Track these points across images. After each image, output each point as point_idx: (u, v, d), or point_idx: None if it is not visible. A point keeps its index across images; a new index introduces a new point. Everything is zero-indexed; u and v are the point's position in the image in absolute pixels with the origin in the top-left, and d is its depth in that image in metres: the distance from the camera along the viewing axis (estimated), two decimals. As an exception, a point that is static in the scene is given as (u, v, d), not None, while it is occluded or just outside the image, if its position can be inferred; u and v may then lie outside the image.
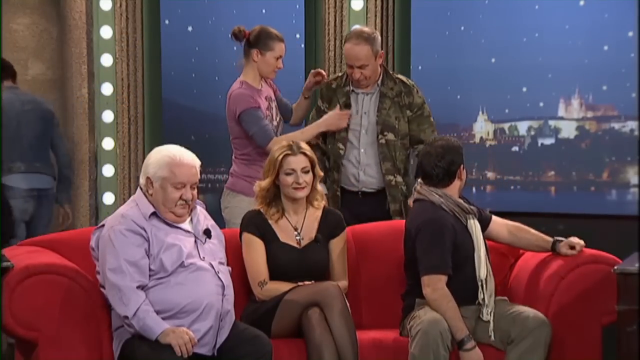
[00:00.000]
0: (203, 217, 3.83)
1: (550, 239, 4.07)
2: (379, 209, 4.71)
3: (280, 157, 4.05)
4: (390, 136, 4.71)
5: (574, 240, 4.03)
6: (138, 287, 3.58)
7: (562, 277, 3.93)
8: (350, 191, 4.76)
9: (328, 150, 4.78)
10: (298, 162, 4.05)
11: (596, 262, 3.94)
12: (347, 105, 4.72)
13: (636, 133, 5.38)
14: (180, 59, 5.79)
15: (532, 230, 4.15)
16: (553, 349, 3.84)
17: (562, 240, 4.04)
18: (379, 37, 4.74)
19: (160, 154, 3.72)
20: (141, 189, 3.74)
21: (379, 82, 4.76)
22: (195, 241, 3.74)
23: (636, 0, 4.87)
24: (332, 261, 4.11)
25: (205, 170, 5.90)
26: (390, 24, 5.53)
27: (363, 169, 4.74)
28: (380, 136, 4.70)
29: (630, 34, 5.25)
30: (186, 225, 3.75)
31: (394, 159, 4.72)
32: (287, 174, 4.05)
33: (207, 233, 3.78)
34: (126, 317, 3.55)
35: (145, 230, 3.64)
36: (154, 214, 3.68)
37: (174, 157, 3.70)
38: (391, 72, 4.86)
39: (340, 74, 4.88)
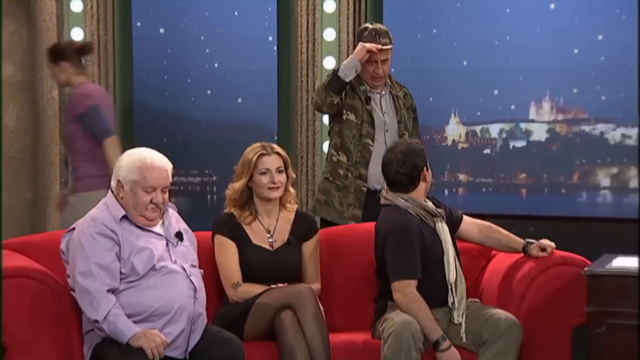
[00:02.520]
0: (175, 220, 3.82)
1: (522, 241, 4.09)
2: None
3: (255, 157, 4.05)
4: (407, 135, 4.75)
5: (545, 242, 4.06)
6: (108, 291, 3.56)
7: (532, 279, 3.95)
8: (372, 190, 4.70)
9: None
10: (272, 162, 4.05)
11: (566, 264, 3.96)
12: (367, 100, 4.69)
13: (606, 136, 5.42)
14: (152, 61, 5.76)
15: (503, 231, 4.16)
16: (524, 350, 3.85)
17: (533, 243, 4.07)
18: None
19: (131, 157, 3.70)
20: (112, 192, 3.72)
21: (388, 84, 4.78)
22: (167, 244, 3.72)
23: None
24: (305, 264, 4.11)
25: (178, 173, 5.86)
26: (362, 26, 5.53)
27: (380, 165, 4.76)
28: (402, 135, 4.73)
29: (600, 37, 5.30)
30: (158, 228, 3.74)
31: None
32: (262, 174, 4.04)
33: (179, 236, 3.77)
34: (97, 321, 3.53)
35: (116, 234, 3.62)
36: (124, 217, 3.67)
37: (145, 160, 3.68)
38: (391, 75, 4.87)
39: None
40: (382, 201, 4.09)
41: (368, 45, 4.53)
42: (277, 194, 4.07)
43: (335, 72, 4.60)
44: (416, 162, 4.00)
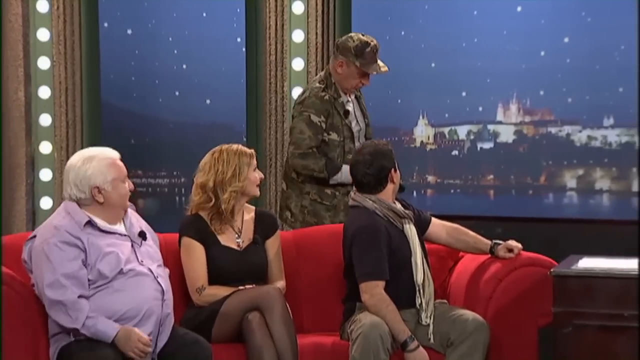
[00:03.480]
0: (136, 220, 3.82)
1: (489, 242, 4.12)
2: None
3: (251, 153, 4.07)
4: (371, 137, 4.75)
5: (512, 243, 4.08)
6: (80, 297, 3.55)
7: (500, 280, 3.97)
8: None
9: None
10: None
11: (533, 265, 3.98)
12: (346, 114, 4.68)
13: (573, 137, 5.47)
14: (120, 62, 5.73)
15: (471, 233, 4.18)
16: (491, 350, 3.87)
17: (500, 244, 4.09)
18: None
19: (95, 161, 3.69)
20: (74, 200, 3.69)
21: None
22: (132, 245, 3.71)
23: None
24: (269, 261, 4.10)
25: (146, 174, 5.88)
26: (331, 28, 5.54)
27: None
28: (368, 137, 4.74)
29: (566, 39, 5.34)
30: (121, 229, 3.73)
31: None
32: (254, 171, 4.08)
33: (142, 235, 3.77)
34: (76, 330, 3.53)
35: (81, 240, 3.60)
36: (88, 222, 3.65)
37: (109, 156, 3.73)
38: None
39: (320, 85, 4.70)
40: (351, 202, 4.09)
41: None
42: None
43: (332, 173, 4.61)
44: (383, 163, 4.01)
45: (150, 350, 3.56)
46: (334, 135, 4.67)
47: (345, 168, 4.53)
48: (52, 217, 3.70)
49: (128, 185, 3.75)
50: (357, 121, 4.74)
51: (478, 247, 4.15)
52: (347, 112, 4.67)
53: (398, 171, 4.08)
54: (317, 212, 4.71)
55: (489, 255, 4.12)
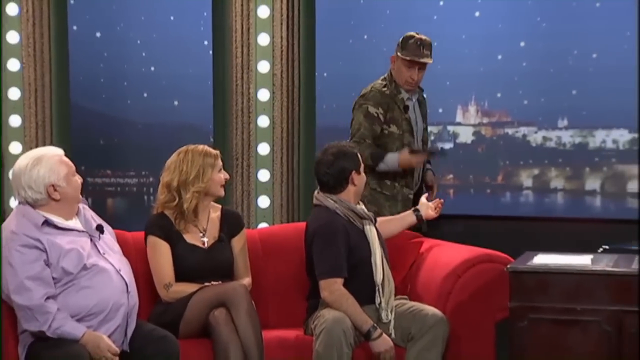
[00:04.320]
0: (90, 214, 3.81)
1: (410, 212, 4.23)
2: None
3: (216, 154, 4.04)
4: (427, 142, 4.80)
5: (429, 204, 4.20)
6: (48, 299, 3.52)
7: (458, 276, 3.99)
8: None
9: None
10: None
11: (490, 261, 4.01)
12: (406, 109, 4.69)
13: (529, 138, 5.51)
14: (89, 64, 5.69)
15: (390, 217, 4.31)
16: (450, 344, 3.89)
17: (418, 209, 4.21)
18: None
19: (45, 160, 3.66)
20: (29, 202, 3.65)
21: (416, 90, 4.79)
22: (92, 239, 3.69)
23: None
24: (235, 258, 4.09)
25: (115, 174, 5.84)
26: (295, 32, 5.53)
27: (420, 171, 4.77)
28: (425, 142, 4.77)
29: (522, 44, 5.38)
30: (78, 225, 3.71)
31: None
32: (219, 171, 4.05)
33: (100, 229, 3.75)
34: (42, 332, 3.50)
35: (40, 241, 3.57)
36: (45, 222, 3.62)
37: (56, 153, 3.72)
38: None
39: (383, 82, 4.77)
40: (314, 201, 4.09)
41: (415, 161, 4.51)
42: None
43: (376, 161, 4.62)
44: (345, 165, 4.01)
45: (116, 359, 3.56)
46: (393, 128, 4.68)
47: (390, 156, 4.59)
48: (7, 223, 3.63)
49: (78, 178, 3.74)
50: (416, 122, 4.76)
51: (405, 222, 4.24)
52: (407, 107, 4.69)
53: (362, 174, 4.07)
54: (377, 201, 4.70)
55: (448, 253, 4.14)
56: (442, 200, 4.23)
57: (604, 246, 4.41)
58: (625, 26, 5.23)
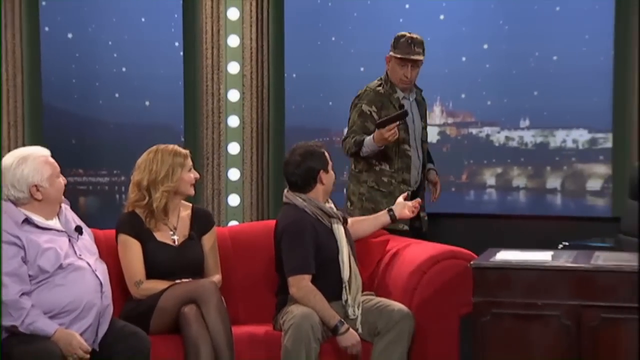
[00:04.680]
0: (70, 215, 3.78)
1: (385, 212, 4.23)
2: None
3: (185, 157, 4.02)
4: (426, 141, 4.77)
5: (406, 203, 4.21)
6: (22, 295, 3.50)
7: (424, 272, 4.00)
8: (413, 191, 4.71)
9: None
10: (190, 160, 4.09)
11: (454, 258, 4.02)
12: (401, 107, 4.66)
13: (492, 138, 5.54)
14: (61, 65, 5.65)
15: (364, 217, 4.31)
16: (416, 338, 3.90)
17: (392, 210, 4.21)
18: None
19: (30, 160, 3.64)
20: (11, 200, 3.63)
21: (414, 90, 4.76)
22: (70, 240, 3.67)
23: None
24: (206, 256, 4.08)
25: (87, 173, 5.80)
26: (265, 34, 5.54)
27: (420, 169, 4.74)
28: (425, 140, 4.74)
29: (485, 46, 5.42)
30: (57, 224, 3.69)
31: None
32: (189, 171, 4.03)
33: (79, 230, 3.73)
34: (15, 327, 3.47)
35: (19, 238, 3.55)
36: (25, 220, 3.60)
37: (42, 154, 3.69)
38: None
39: (378, 82, 4.75)
40: (284, 199, 4.09)
41: (387, 134, 4.45)
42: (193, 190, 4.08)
43: (359, 146, 4.60)
44: (312, 165, 4.01)
45: (87, 357, 3.54)
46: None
47: (367, 138, 4.57)
48: None
49: (62, 180, 3.72)
50: (412, 120, 4.72)
51: (379, 222, 4.25)
52: (402, 106, 4.66)
53: (331, 172, 4.08)
54: (374, 199, 4.68)
55: (414, 250, 4.16)
56: (419, 201, 4.23)
57: (563, 242, 4.45)
58: (584, 29, 5.29)
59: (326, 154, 4.08)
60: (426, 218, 4.71)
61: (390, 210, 4.24)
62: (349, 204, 4.82)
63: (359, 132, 4.64)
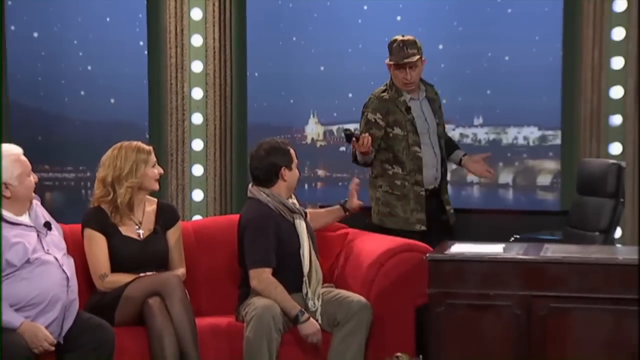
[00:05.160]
0: (40, 211, 3.75)
1: (338, 206, 4.26)
2: (438, 203, 4.59)
3: (149, 152, 3.99)
4: (444, 135, 4.66)
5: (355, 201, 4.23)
6: None
7: (381, 265, 4.01)
8: (429, 190, 4.57)
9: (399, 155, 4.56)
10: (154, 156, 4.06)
11: (411, 251, 4.04)
12: (408, 110, 4.54)
13: (451, 134, 5.57)
14: (27, 63, 5.60)
15: (320, 210, 4.33)
16: (374, 328, 3.92)
17: (346, 201, 4.25)
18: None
19: (1, 158, 3.59)
20: None
21: (423, 88, 4.64)
22: (38, 235, 3.64)
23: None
24: (171, 250, 4.07)
25: (53, 169, 5.75)
26: (227, 34, 5.52)
27: (438, 167, 4.58)
28: (442, 136, 4.62)
29: (441, 46, 5.45)
30: (27, 220, 3.65)
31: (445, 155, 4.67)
32: (153, 167, 4.00)
33: (48, 225, 3.70)
34: None
35: None
36: None
37: (13, 152, 3.64)
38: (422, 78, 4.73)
39: (383, 88, 4.64)
40: (248, 194, 4.09)
41: (359, 148, 4.33)
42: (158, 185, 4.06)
43: (354, 156, 4.53)
44: (275, 160, 4.01)
45: (52, 349, 3.52)
46: (397, 130, 4.53)
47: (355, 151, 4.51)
48: None
49: (33, 178, 3.67)
50: (424, 119, 4.59)
51: (334, 215, 4.28)
52: (408, 109, 4.56)
53: (294, 170, 4.06)
54: (389, 202, 4.55)
55: (372, 243, 4.17)
56: (357, 181, 4.26)
57: (515, 235, 4.49)
58: (535, 31, 5.36)
59: (291, 151, 4.07)
60: (452, 211, 4.60)
61: (344, 201, 4.23)
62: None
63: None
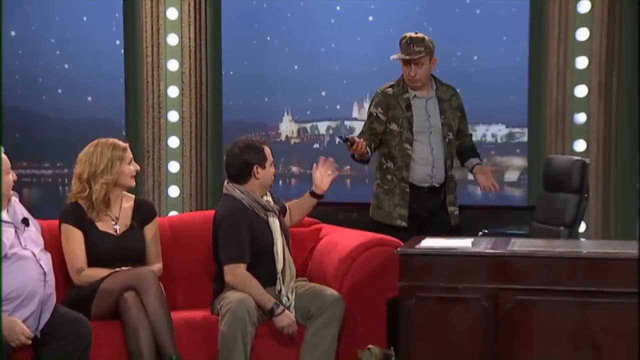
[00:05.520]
0: (19, 207, 3.72)
1: (307, 193, 4.22)
2: (439, 202, 4.56)
3: (125, 150, 3.97)
4: (451, 136, 4.59)
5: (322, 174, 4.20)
6: None
7: (353, 259, 4.02)
8: (418, 187, 4.55)
9: (392, 150, 4.57)
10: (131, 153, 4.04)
11: (382, 245, 4.05)
12: (408, 107, 4.54)
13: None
14: (4, 61, 5.54)
15: (295, 200, 4.27)
16: (346, 321, 3.92)
17: (313, 192, 4.21)
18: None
19: None
20: None
21: (434, 88, 4.61)
22: (16, 231, 3.61)
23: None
24: (147, 245, 4.05)
25: (31, 165, 5.71)
26: (203, 33, 5.50)
27: (434, 165, 4.54)
28: (446, 136, 4.57)
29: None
30: (4, 216, 3.62)
31: (453, 156, 4.61)
32: (129, 164, 3.98)
33: (25, 222, 3.67)
34: None
35: None
36: None
37: None
38: (438, 78, 4.70)
39: (391, 83, 4.64)
40: (224, 190, 4.07)
41: (353, 151, 4.34)
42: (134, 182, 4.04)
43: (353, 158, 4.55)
44: (248, 158, 4.00)
45: (29, 343, 3.50)
46: (393, 126, 4.54)
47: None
48: None
49: (12, 176, 3.64)
50: (427, 118, 4.56)
51: (307, 203, 4.23)
52: (409, 106, 4.55)
53: (268, 169, 4.04)
54: (379, 196, 4.59)
55: (344, 238, 4.18)
56: (330, 160, 4.23)
57: (483, 230, 4.51)
58: (502, 31, 5.39)
59: (266, 150, 4.05)
60: (456, 212, 4.57)
61: (310, 190, 4.21)
62: None
63: (366, 133, 4.57)
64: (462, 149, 4.66)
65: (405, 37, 4.58)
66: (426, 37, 4.55)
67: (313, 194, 4.22)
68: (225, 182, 4.08)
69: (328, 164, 4.21)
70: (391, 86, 4.62)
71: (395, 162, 4.53)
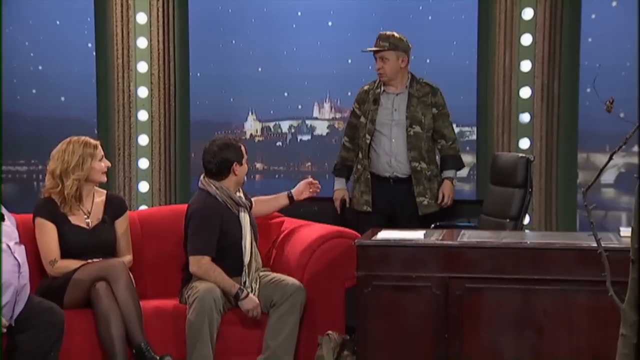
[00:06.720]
0: None
1: (284, 194, 4.23)
2: (407, 193, 4.57)
3: (96, 147, 3.92)
4: (417, 129, 4.56)
5: (305, 186, 4.23)
6: None
7: (314, 250, 4.02)
8: (383, 177, 4.58)
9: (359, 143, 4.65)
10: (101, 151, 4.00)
11: (341, 237, 4.06)
12: (375, 102, 4.60)
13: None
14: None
15: (264, 197, 4.26)
16: (307, 308, 3.93)
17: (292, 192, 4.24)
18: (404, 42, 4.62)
19: None
20: None
21: (408, 85, 4.62)
22: None
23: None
24: (118, 238, 4.02)
25: (6, 162, 5.63)
26: (171, 36, 5.45)
27: (394, 156, 4.56)
28: (409, 129, 4.56)
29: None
30: (-20, 211, 3.56)
31: (420, 149, 4.57)
32: (100, 160, 3.94)
33: (0, 216, 3.60)
34: None
35: None
36: None
37: None
38: (418, 78, 4.70)
39: (373, 81, 4.70)
40: (199, 184, 4.04)
41: (309, 182, 4.32)
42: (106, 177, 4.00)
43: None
44: (227, 156, 3.97)
45: (4, 331, 3.45)
46: (362, 119, 4.63)
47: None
48: None
49: None
50: (391, 112, 4.59)
51: (278, 203, 4.24)
52: (376, 100, 4.60)
53: (244, 165, 4.02)
54: (353, 184, 4.71)
55: (306, 230, 4.18)
56: (316, 183, 4.25)
57: (435, 223, 4.54)
58: (453, 36, 5.42)
59: (242, 148, 4.04)
60: (425, 202, 4.57)
61: (290, 192, 4.22)
62: None
63: (348, 127, 4.75)
64: (441, 157, 4.70)
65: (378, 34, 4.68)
66: (396, 35, 4.63)
67: (290, 198, 4.22)
68: (202, 176, 4.04)
69: (314, 187, 4.24)
70: (370, 83, 4.72)
71: (362, 152, 4.63)
